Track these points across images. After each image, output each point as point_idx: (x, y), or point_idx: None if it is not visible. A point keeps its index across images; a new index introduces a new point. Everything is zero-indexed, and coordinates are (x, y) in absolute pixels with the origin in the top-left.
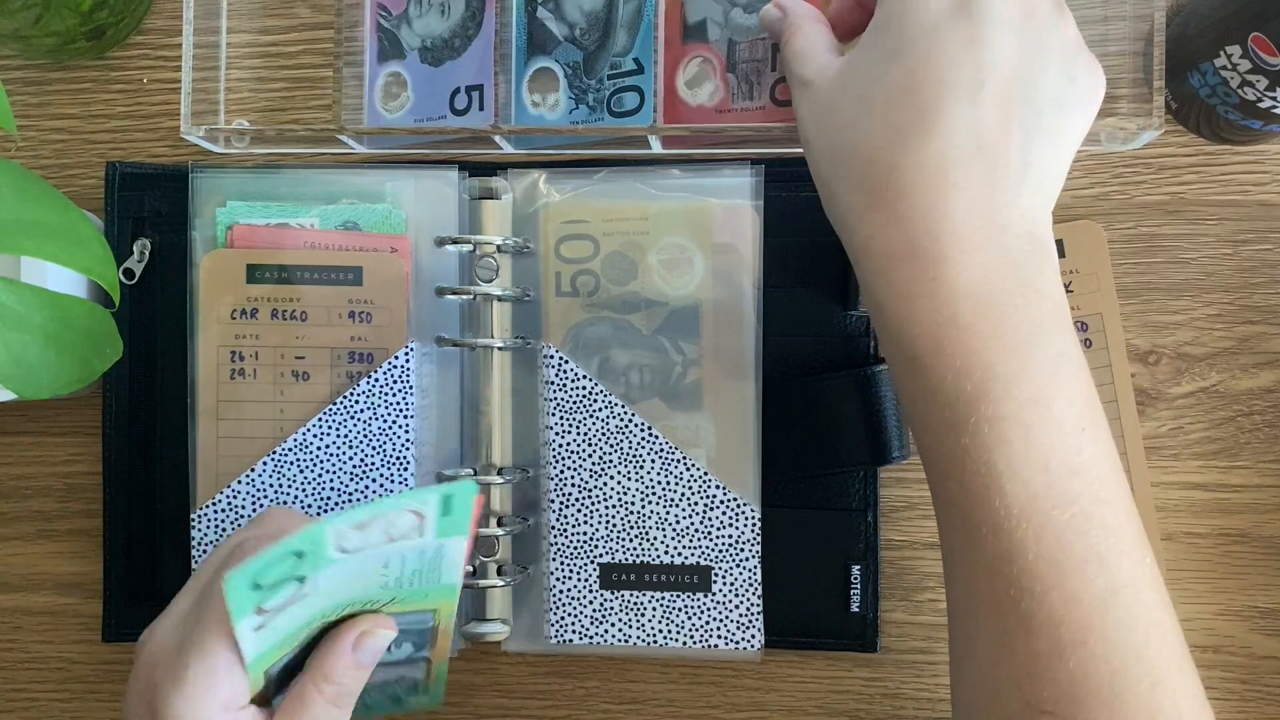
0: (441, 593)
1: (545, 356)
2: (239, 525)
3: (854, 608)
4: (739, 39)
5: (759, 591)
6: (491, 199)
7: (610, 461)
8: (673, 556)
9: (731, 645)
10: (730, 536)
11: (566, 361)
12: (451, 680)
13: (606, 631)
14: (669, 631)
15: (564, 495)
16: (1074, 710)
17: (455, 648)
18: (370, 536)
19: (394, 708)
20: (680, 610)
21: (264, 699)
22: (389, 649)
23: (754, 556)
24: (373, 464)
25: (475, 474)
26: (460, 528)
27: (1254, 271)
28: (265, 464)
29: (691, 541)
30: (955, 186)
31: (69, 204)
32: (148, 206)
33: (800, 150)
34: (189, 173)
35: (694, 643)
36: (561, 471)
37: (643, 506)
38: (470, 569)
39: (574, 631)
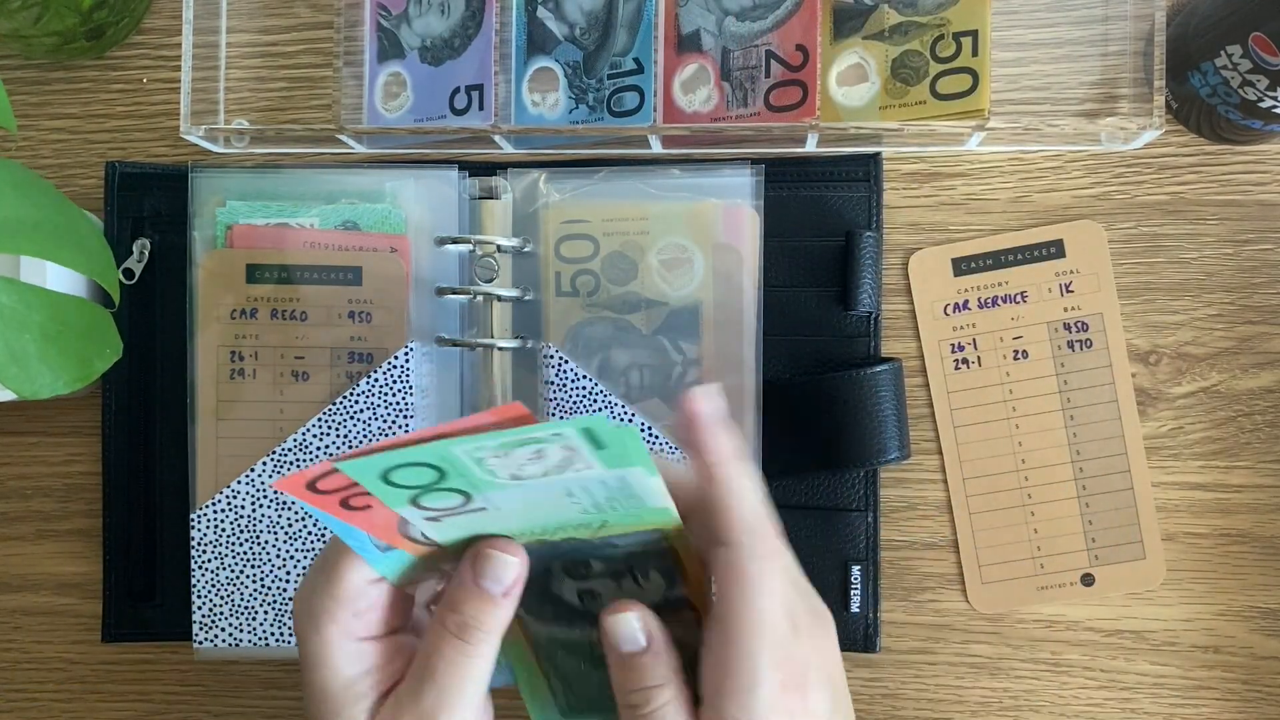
0: (657, 516)
1: (545, 356)
2: (239, 525)
3: (854, 608)
4: (733, 47)
5: None
6: (491, 199)
7: None
8: None
9: None
10: None
11: (566, 361)
12: None
13: None
14: None
15: None
16: None
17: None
18: (518, 462)
19: None
20: None
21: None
22: (638, 579)
23: None
24: None
25: None
26: (630, 459)
27: (1254, 271)
28: (265, 464)
29: None
30: None
31: (69, 204)
32: (147, 206)
33: (800, 150)
34: (189, 172)
35: None
36: None
37: None
38: None
39: None
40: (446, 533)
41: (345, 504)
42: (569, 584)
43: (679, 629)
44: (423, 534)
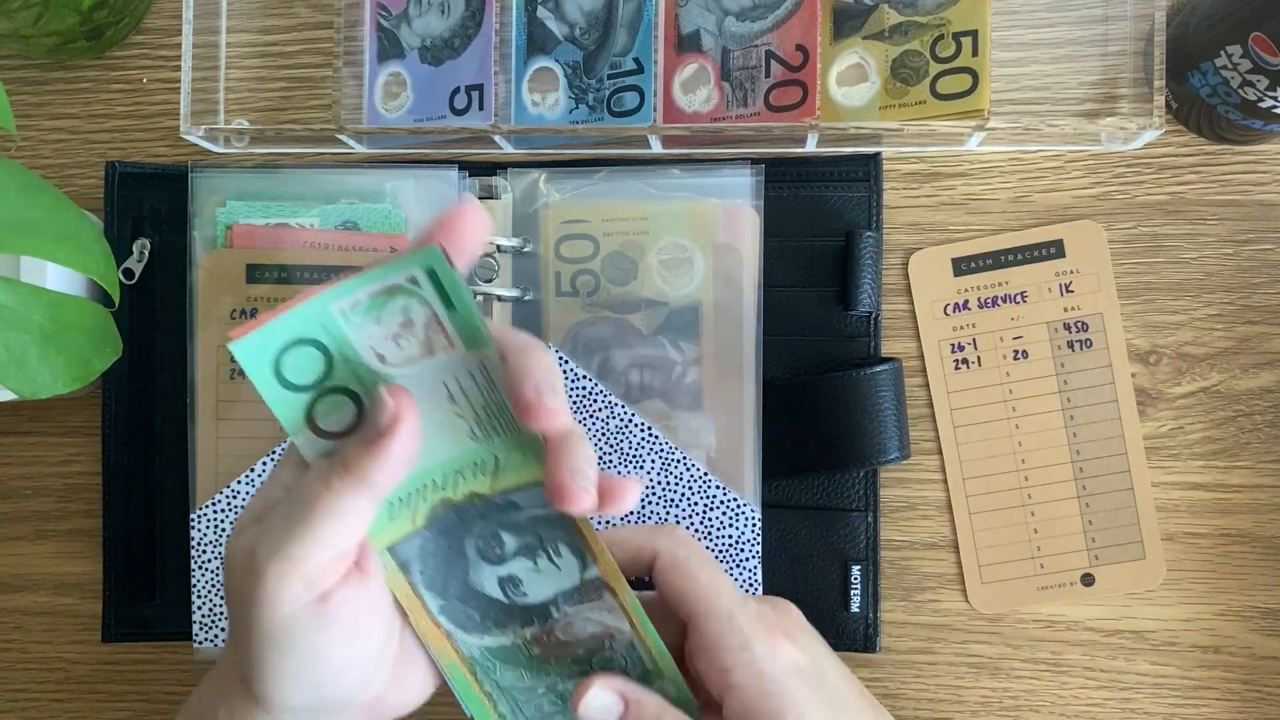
0: (532, 448)
1: None
2: None
3: (854, 608)
4: (733, 47)
5: (759, 592)
6: (491, 199)
7: (610, 461)
8: None
9: None
10: (730, 536)
11: (566, 361)
12: None
13: None
14: None
15: None
16: None
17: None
18: (391, 329)
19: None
20: None
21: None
22: (552, 557)
23: (754, 557)
24: None
25: None
26: (476, 335)
27: (1254, 271)
28: (266, 464)
29: None
30: None
31: (69, 204)
32: (147, 206)
33: (800, 150)
34: (189, 172)
35: None
36: None
37: (643, 507)
38: None
39: None
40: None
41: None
42: (488, 571)
43: (606, 616)
44: None
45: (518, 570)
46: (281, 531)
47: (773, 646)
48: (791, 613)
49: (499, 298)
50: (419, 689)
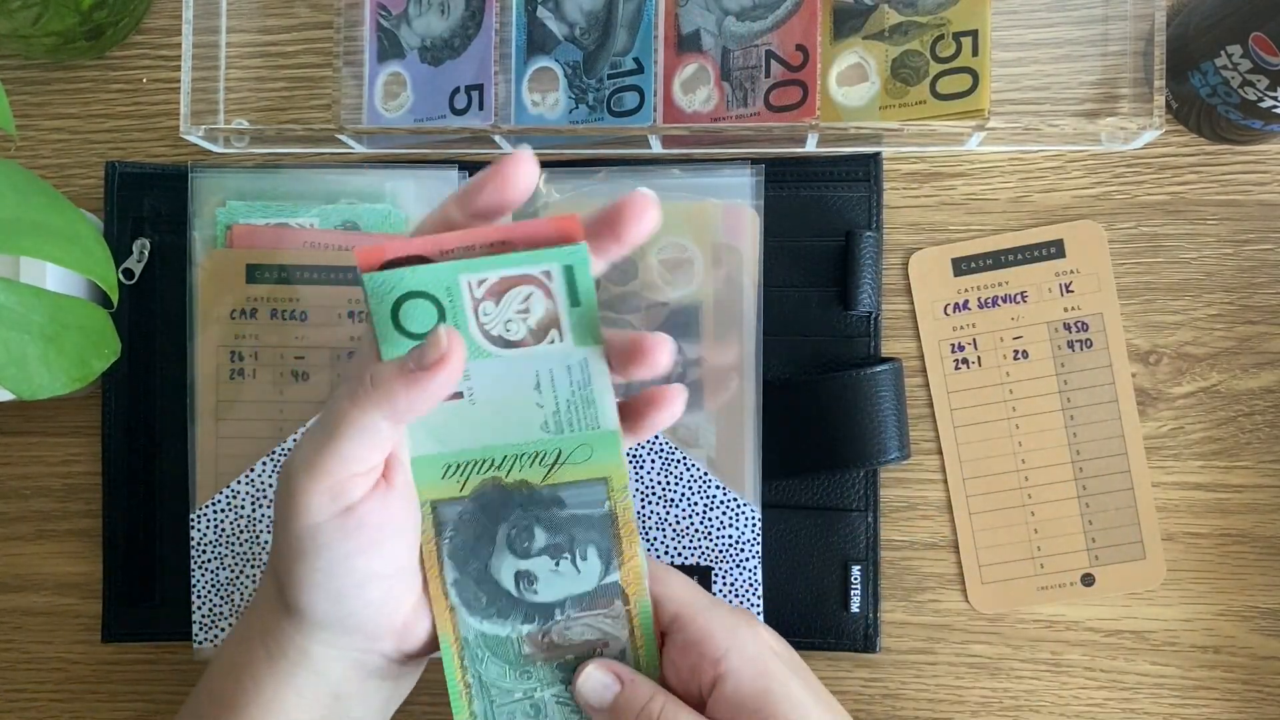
0: (605, 444)
1: None
2: (239, 525)
3: (854, 608)
4: (733, 47)
5: (759, 592)
6: None
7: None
8: (673, 557)
9: None
10: (730, 537)
11: None
12: None
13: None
14: None
15: None
16: None
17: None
18: (507, 313)
19: None
20: None
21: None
22: (576, 561)
23: (754, 557)
24: None
25: None
26: (591, 332)
27: (1255, 271)
28: (265, 464)
29: (691, 542)
30: None
31: (68, 204)
32: (147, 206)
33: (800, 150)
34: (188, 172)
35: None
36: None
37: (643, 507)
38: None
39: None
40: (418, 438)
41: None
42: (509, 562)
43: (607, 624)
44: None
45: (537, 568)
46: (312, 446)
47: (754, 632)
48: (751, 612)
49: None
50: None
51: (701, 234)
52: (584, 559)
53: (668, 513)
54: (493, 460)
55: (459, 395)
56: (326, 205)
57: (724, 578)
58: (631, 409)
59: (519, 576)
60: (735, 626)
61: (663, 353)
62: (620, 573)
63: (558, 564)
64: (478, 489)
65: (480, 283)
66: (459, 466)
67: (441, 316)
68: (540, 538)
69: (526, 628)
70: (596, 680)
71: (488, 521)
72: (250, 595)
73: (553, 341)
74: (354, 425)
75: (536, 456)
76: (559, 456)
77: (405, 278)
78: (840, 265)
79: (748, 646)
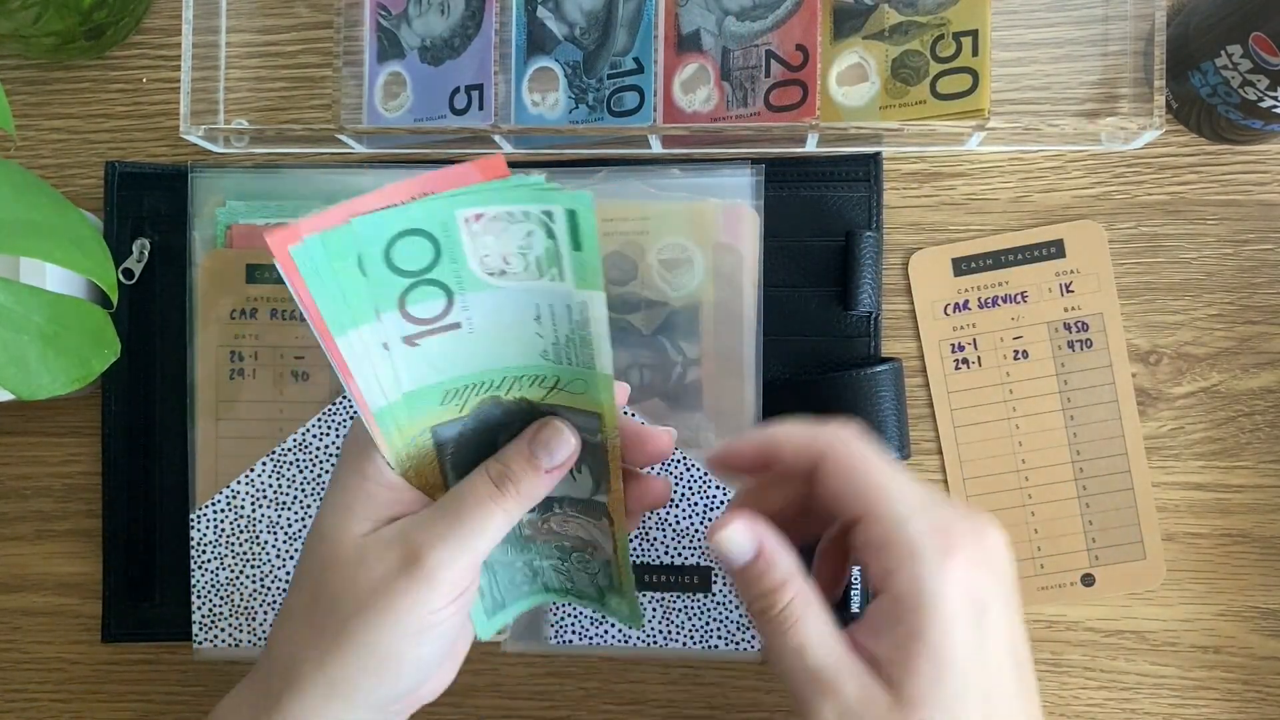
0: (599, 384)
1: None
2: (238, 525)
3: (854, 608)
4: (733, 47)
5: None
6: None
7: None
8: (673, 557)
9: (731, 646)
10: None
11: None
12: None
13: (606, 632)
14: (669, 632)
15: None
16: None
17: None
18: (507, 246)
19: (597, 603)
20: (680, 611)
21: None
22: (573, 472)
23: None
24: None
25: None
26: (593, 277)
27: (1255, 271)
28: (265, 464)
29: (691, 542)
30: None
31: (68, 204)
32: (147, 206)
33: (800, 150)
34: (188, 172)
35: (694, 643)
36: None
37: None
38: None
39: (574, 632)
40: (416, 371)
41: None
42: None
43: (598, 534)
44: (388, 383)
45: None
46: (448, 525)
47: (942, 566)
48: (986, 540)
49: None
50: (445, 679)
51: (701, 234)
52: (579, 471)
53: (668, 513)
54: (491, 383)
55: (456, 326)
56: (326, 205)
57: (724, 578)
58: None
59: None
60: (918, 552)
61: (667, 445)
62: (607, 498)
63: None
64: (477, 408)
65: (478, 217)
66: (457, 391)
67: (438, 252)
68: None
69: (528, 515)
70: (737, 541)
71: (488, 433)
72: (250, 595)
73: (553, 280)
74: (497, 525)
75: (535, 379)
76: (557, 382)
77: (395, 217)
78: (840, 265)
79: (919, 579)
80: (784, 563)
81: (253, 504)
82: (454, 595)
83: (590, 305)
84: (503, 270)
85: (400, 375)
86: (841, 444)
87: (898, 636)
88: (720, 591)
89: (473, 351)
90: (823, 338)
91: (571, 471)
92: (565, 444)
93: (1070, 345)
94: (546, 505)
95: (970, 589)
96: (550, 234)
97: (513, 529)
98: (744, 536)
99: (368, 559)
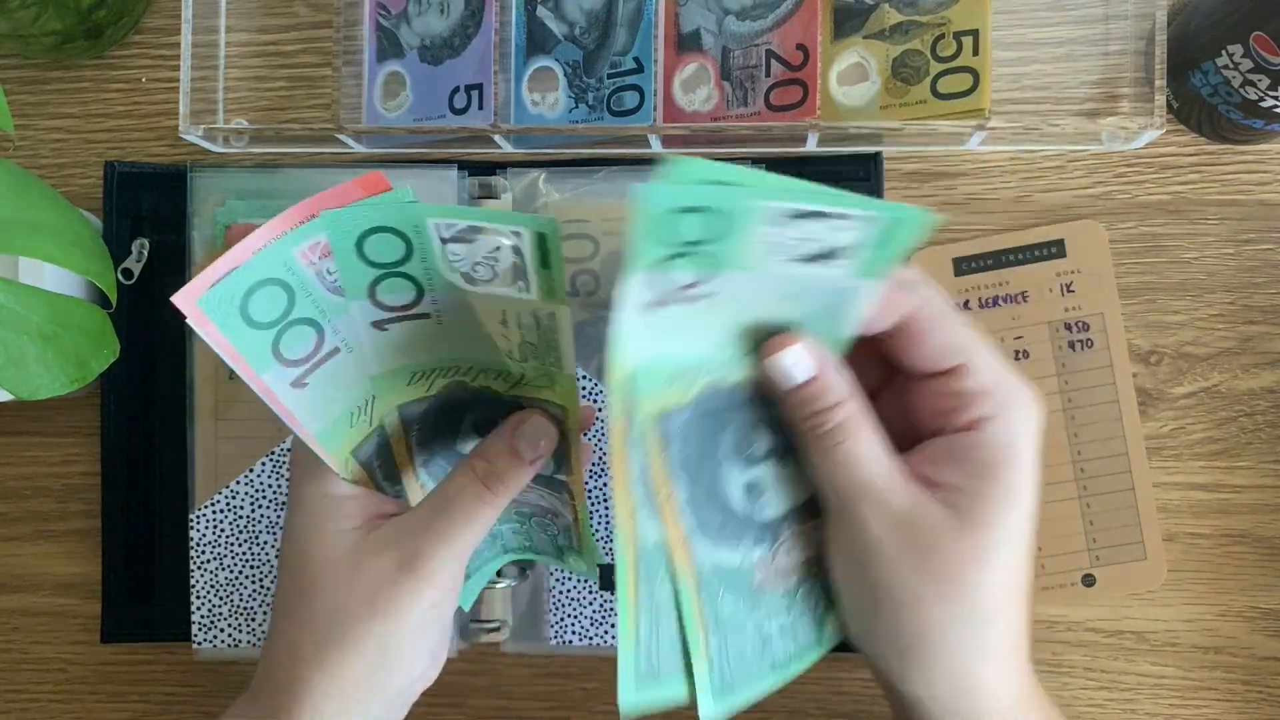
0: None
1: None
2: (238, 526)
3: None
4: (733, 46)
5: None
6: (491, 198)
7: (609, 462)
8: None
9: None
10: None
11: None
12: (451, 681)
13: (606, 632)
14: None
15: None
16: None
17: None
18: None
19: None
20: None
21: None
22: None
23: None
24: None
25: None
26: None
27: (1256, 271)
28: (265, 464)
29: None
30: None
31: (67, 204)
32: (146, 206)
33: (800, 150)
34: (188, 172)
35: None
36: None
37: None
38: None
39: (574, 632)
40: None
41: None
42: (736, 473)
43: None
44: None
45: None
46: (440, 519)
47: (1029, 417)
48: (1034, 411)
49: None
50: (440, 660)
51: None
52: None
53: None
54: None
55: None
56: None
57: None
58: None
59: (747, 488)
60: (1010, 404)
61: (589, 417)
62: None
63: (783, 468)
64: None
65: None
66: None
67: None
68: (762, 441)
69: (757, 552)
70: (799, 360)
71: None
72: (249, 595)
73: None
74: (485, 519)
75: (500, 374)
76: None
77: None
78: None
79: (1014, 425)
80: (841, 383)
81: (252, 504)
82: (451, 588)
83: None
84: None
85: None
86: (932, 303)
87: (971, 466)
88: None
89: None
90: None
91: (782, 468)
92: (548, 436)
93: (1071, 345)
94: (775, 531)
95: (1038, 444)
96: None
97: (743, 576)
98: (803, 356)
99: (363, 565)
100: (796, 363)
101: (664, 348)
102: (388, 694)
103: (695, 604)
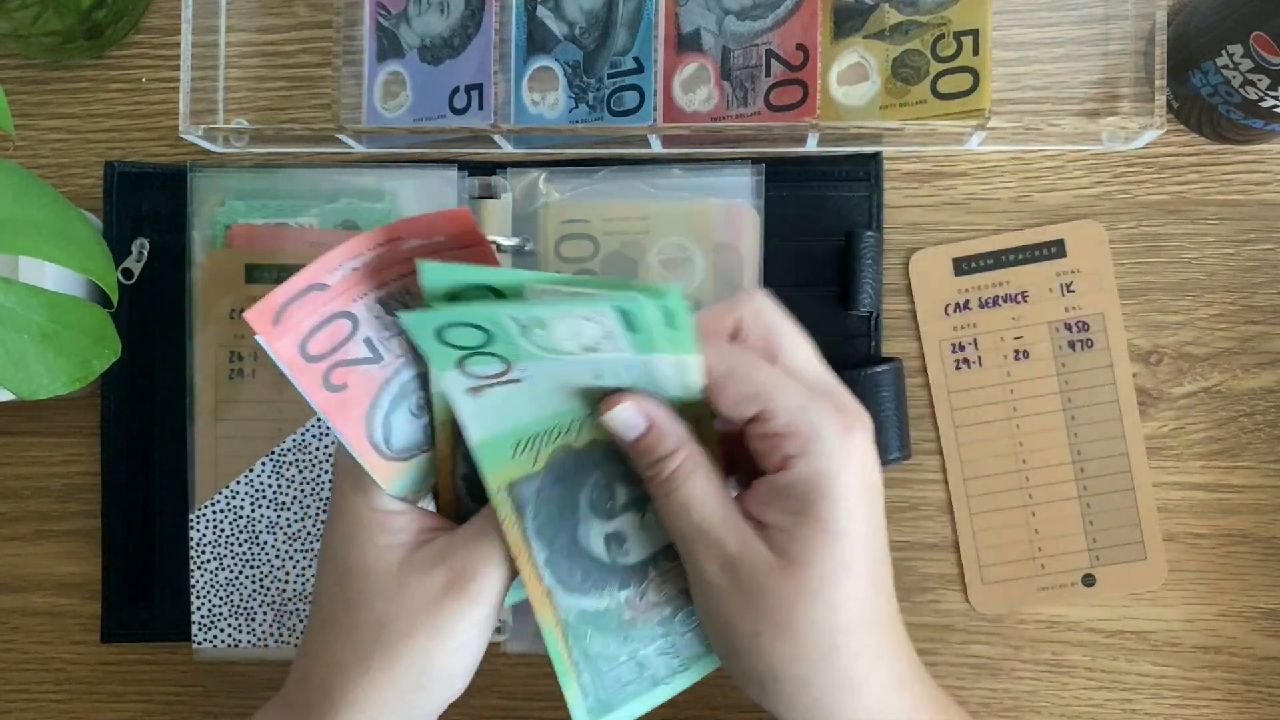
0: (685, 396)
1: None
2: (238, 526)
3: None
4: (733, 46)
5: None
6: (491, 198)
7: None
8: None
9: None
10: None
11: None
12: None
13: None
14: None
15: None
16: None
17: None
18: (559, 337)
19: (711, 660)
20: None
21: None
22: (645, 518)
23: None
24: None
25: None
26: (664, 344)
27: (1255, 271)
28: (265, 464)
29: None
30: None
31: (67, 204)
32: (146, 206)
33: (800, 150)
34: (188, 172)
35: None
36: None
37: None
38: None
39: None
40: (482, 419)
41: (327, 381)
42: (596, 527)
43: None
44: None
45: (624, 527)
46: (492, 547)
47: (843, 443)
48: (867, 426)
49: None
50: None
51: (701, 234)
52: (647, 512)
53: None
54: (560, 428)
55: (517, 381)
56: (326, 205)
57: None
58: None
59: (609, 541)
60: (819, 433)
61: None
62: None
63: (643, 517)
64: (550, 460)
65: (525, 316)
66: (529, 441)
67: (488, 337)
68: (622, 495)
69: (624, 594)
70: (625, 417)
71: (568, 495)
72: (249, 595)
73: (613, 350)
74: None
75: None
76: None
77: (437, 316)
78: (840, 265)
79: (827, 458)
80: (675, 431)
81: (252, 504)
82: (495, 608)
83: (656, 364)
84: (556, 349)
85: (468, 425)
86: (727, 356)
87: (790, 505)
88: None
89: (536, 401)
90: (823, 337)
91: (643, 516)
92: (632, 415)
93: (1071, 345)
94: (642, 573)
95: (866, 466)
96: (602, 324)
97: (611, 619)
98: (632, 412)
99: (409, 583)
100: (628, 419)
101: (503, 423)
102: (423, 710)
103: (563, 647)
